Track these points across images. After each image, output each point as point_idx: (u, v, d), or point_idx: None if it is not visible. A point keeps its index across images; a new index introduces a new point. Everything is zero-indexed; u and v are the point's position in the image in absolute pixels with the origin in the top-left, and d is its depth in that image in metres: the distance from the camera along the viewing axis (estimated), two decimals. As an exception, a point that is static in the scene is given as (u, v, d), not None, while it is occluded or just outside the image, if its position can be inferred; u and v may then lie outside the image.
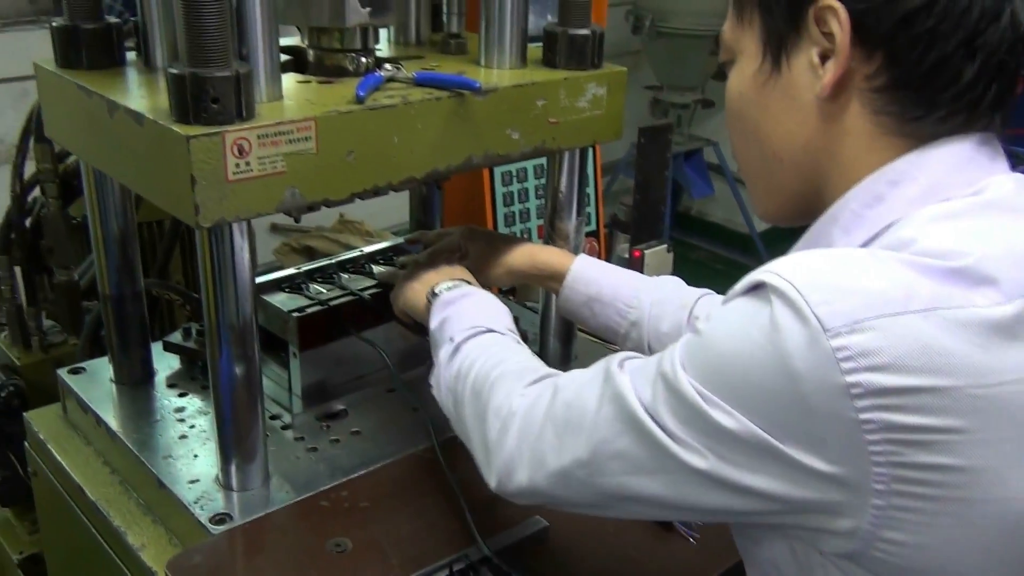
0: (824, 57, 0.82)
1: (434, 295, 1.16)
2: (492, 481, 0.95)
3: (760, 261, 0.78)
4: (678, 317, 1.23)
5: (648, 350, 1.23)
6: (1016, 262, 0.74)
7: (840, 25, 0.79)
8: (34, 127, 1.60)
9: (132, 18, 1.25)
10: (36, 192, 1.72)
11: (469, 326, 1.08)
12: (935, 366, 0.69)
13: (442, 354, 1.08)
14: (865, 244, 0.81)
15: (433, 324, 1.13)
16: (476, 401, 0.99)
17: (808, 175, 0.87)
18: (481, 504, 1.13)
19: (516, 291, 1.80)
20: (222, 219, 1.00)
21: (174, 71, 0.97)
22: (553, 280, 1.32)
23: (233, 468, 1.15)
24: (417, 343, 1.37)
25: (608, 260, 1.94)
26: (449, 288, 1.16)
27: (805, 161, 0.87)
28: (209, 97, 0.96)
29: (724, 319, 0.77)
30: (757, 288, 0.75)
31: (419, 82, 1.16)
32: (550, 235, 1.43)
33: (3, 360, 1.76)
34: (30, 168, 1.67)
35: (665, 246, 1.37)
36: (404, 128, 1.11)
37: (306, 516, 1.13)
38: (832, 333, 0.69)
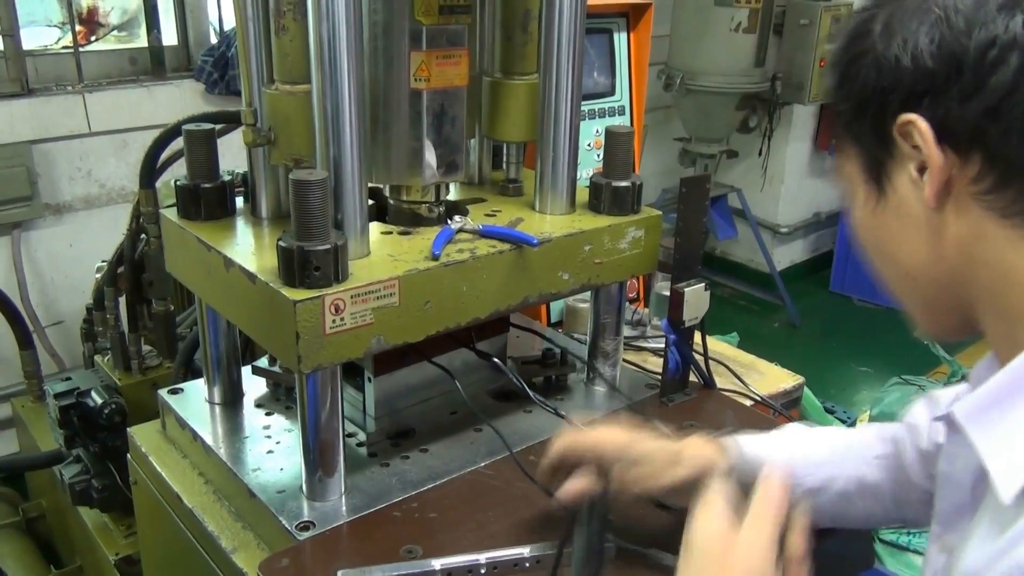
0: (922, 170, 0.72)
1: None
2: None
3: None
4: (860, 470, 1.05)
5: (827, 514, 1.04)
6: None
7: (921, 135, 0.70)
8: (141, 176, 1.65)
9: (241, 173, 1.32)
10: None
11: None
12: None
13: None
14: None
15: None
16: None
17: (952, 287, 0.76)
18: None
19: (564, 322, 1.80)
20: (319, 365, 1.06)
21: (283, 244, 1.03)
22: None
23: (316, 481, 1.17)
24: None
25: (646, 297, 1.94)
26: None
27: (943, 274, 0.75)
28: (312, 266, 1.02)
29: None
30: None
31: (484, 234, 1.21)
32: (592, 351, 1.46)
33: (106, 381, 1.80)
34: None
35: (703, 284, 1.35)
36: (472, 278, 1.17)
37: (380, 525, 1.14)
38: None
